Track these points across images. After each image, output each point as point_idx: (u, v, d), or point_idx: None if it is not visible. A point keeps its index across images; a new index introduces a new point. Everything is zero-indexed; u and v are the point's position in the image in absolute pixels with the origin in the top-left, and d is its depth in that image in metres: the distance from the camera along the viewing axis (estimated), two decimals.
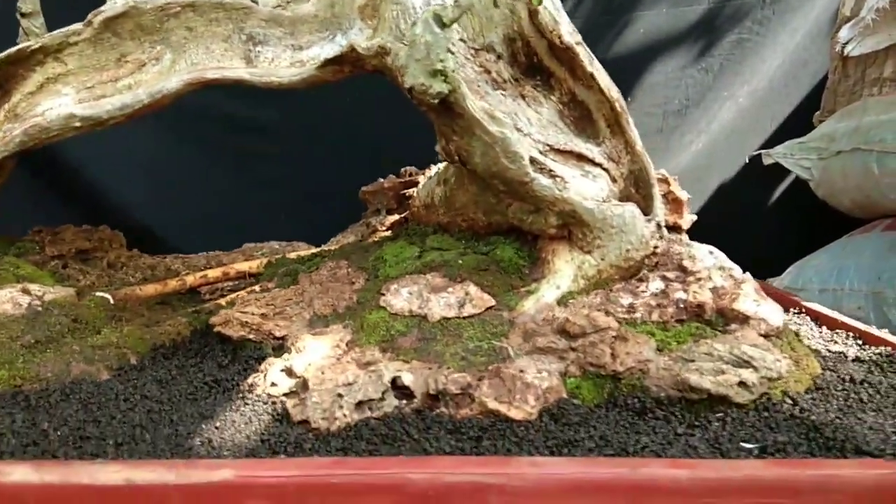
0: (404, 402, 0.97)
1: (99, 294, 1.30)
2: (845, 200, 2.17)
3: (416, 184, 1.57)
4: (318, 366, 1.02)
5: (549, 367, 1.01)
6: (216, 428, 0.93)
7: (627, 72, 2.40)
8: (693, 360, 1.02)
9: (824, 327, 1.50)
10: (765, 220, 2.50)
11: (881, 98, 2.11)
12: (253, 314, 1.18)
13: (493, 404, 0.93)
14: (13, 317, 1.14)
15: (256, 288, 1.46)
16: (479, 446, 0.88)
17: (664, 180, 1.29)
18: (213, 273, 1.50)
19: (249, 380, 1.04)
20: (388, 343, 1.09)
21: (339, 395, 0.95)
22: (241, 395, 1.02)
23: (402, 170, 1.64)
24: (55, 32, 1.05)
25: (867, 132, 2.04)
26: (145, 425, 0.93)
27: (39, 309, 1.17)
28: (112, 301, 1.30)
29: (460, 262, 1.24)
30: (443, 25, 0.91)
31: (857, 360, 1.28)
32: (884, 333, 1.37)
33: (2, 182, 1.17)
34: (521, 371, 0.96)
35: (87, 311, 1.22)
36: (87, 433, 0.90)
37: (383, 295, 1.19)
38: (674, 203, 1.29)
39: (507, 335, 1.08)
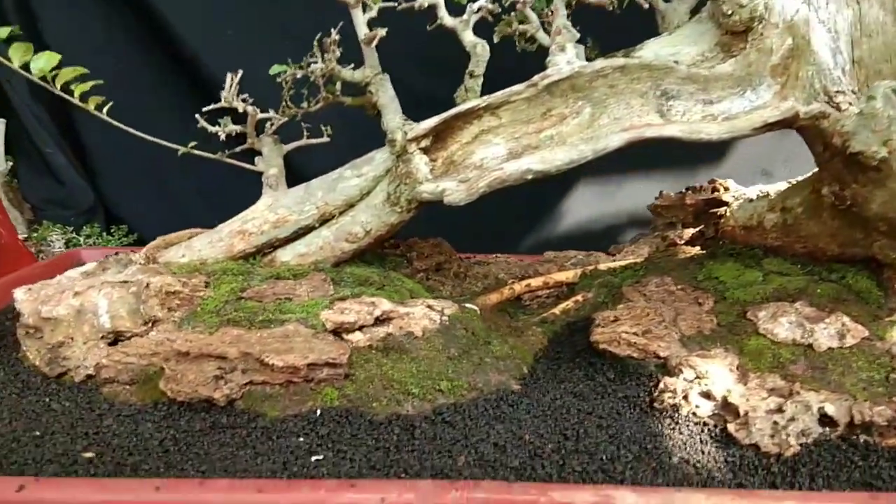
0: (827, 430, 1.10)
1: (468, 305, 1.48)
2: None
3: (720, 202, 1.67)
4: (736, 391, 1.16)
5: None
6: (667, 448, 1.09)
7: None
8: None
9: None
10: None
11: None
12: (635, 334, 1.32)
13: None
14: (432, 331, 1.33)
15: (579, 298, 1.62)
16: None
17: None
18: (535, 282, 1.66)
19: (666, 399, 1.19)
20: (780, 370, 1.22)
21: (776, 423, 1.09)
22: (666, 415, 1.17)
23: (697, 186, 1.74)
24: (499, 93, 1.20)
25: None
26: (605, 440, 1.10)
27: (447, 323, 1.35)
28: (478, 311, 1.48)
29: (818, 290, 1.35)
30: None
31: None
32: None
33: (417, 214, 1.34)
34: None
35: (474, 324, 1.40)
36: (566, 447, 1.07)
37: (752, 321, 1.31)
38: None
39: (892, 366, 1.19)
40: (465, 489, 0.84)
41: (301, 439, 1.07)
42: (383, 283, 1.42)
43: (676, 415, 1.16)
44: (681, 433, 1.13)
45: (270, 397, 1.13)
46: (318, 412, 1.12)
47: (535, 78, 1.18)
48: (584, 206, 2.91)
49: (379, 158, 1.36)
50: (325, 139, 1.49)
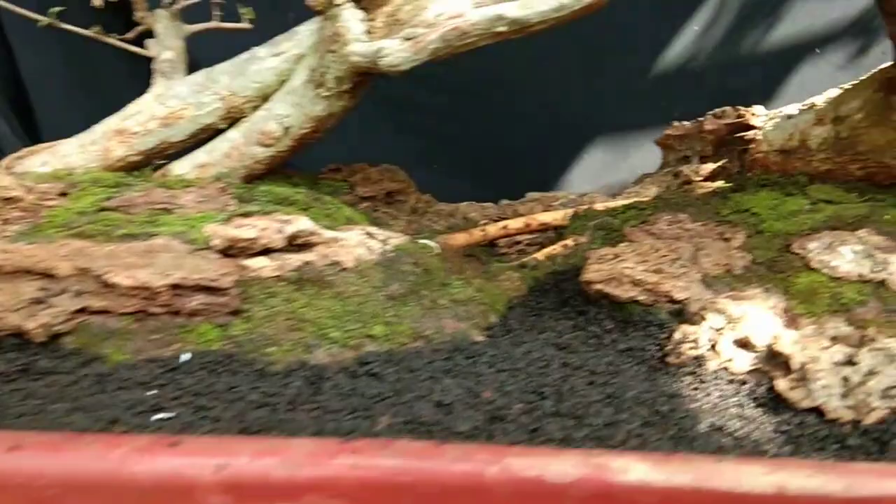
0: None
1: (424, 241, 1.14)
2: None
3: (748, 126, 1.34)
4: (787, 338, 0.82)
5: None
6: (690, 412, 0.75)
7: None
8: None
9: None
10: None
11: None
12: (642, 272, 0.98)
13: None
14: (369, 262, 0.98)
15: (569, 242, 1.28)
16: None
17: None
18: (514, 224, 1.32)
19: (685, 351, 0.85)
20: (844, 314, 0.88)
21: (847, 379, 0.75)
22: (687, 370, 0.83)
23: (719, 111, 1.40)
24: None
25: None
26: (599, 401, 0.76)
27: (391, 256, 1.01)
28: (436, 249, 1.14)
29: (887, 216, 1.01)
30: None
31: None
32: None
33: (354, 104, 1.00)
34: None
35: (430, 261, 1.06)
36: (543, 408, 0.73)
37: (800, 254, 0.98)
38: None
39: None
40: (367, 452, 0.50)
41: (152, 392, 0.72)
42: (310, 204, 1.08)
43: (701, 370, 0.82)
44: (708, 394, 0.79)
45: (116, 334, 0.78)
46: (188, 356, 0.78)
47: None
48: (589, 175, 2.49)
49: (304, 31, 1.02)
50: (247, 25, 1.15)
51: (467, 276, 1.10)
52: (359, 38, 0.88)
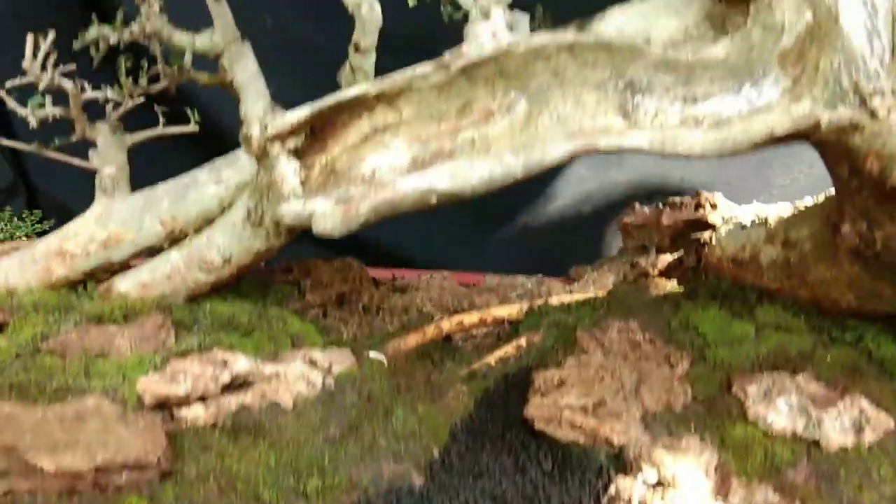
0: None
1: (373, 355, 1.13)
2: None
3: (705, 223, 1.33)
4: None
5: None
6: None
7: None
8: None
9: None
10: None
11: None
12: (581, 410, 0.99)
13: None
14: (308, 400, 0.99)
15: (522, 342, 1.28)
16: None
17: None
18: (469, 319, 1.32)
19: None
20: (775, 477, 0.89)
21: None
22: None
23: (678, 201, 1.39)
24: (396, 76, 0.84)
25: None
26: None
27: (333, 389, 1.01)
28: (385, 362, 1.14)
29: (828, 357, 1.01)
30: None
31: None
32: None
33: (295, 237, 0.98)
34: None
35: (374, 385, 1.06)
36: None
37: (739, 398, 0.98)
38: None
39: None
40: None
41: None
42: (254, 326, 1.07)
43: None
44: None
45: None
46: None
47: (446, 57, 0.82)
48: (575, 183, 2.41)
49: (246, 159, 1.00)
50: (193, 128, 1.13)
51: (414, 396, 1.10)
52: (294, 190, 0.86)
